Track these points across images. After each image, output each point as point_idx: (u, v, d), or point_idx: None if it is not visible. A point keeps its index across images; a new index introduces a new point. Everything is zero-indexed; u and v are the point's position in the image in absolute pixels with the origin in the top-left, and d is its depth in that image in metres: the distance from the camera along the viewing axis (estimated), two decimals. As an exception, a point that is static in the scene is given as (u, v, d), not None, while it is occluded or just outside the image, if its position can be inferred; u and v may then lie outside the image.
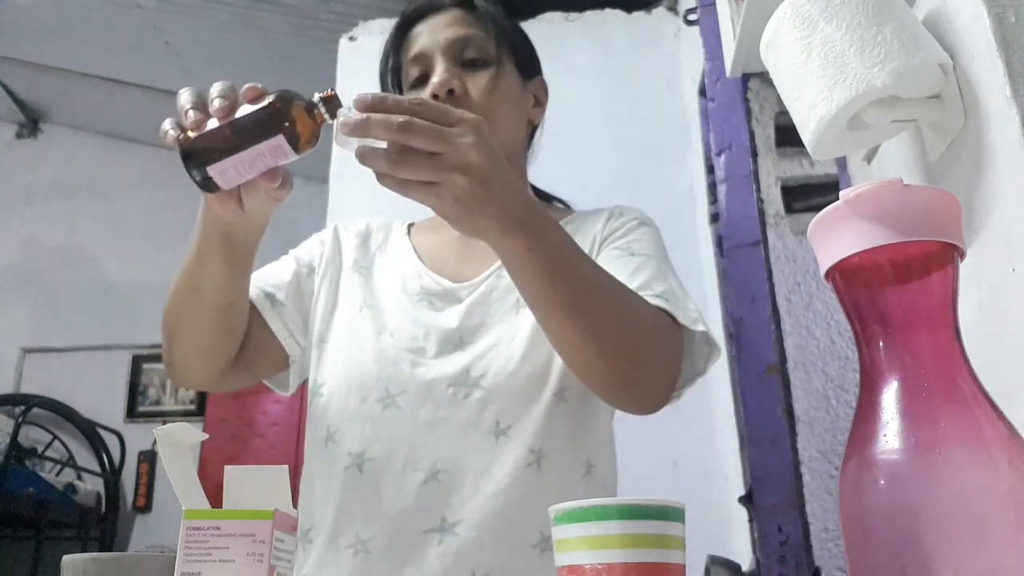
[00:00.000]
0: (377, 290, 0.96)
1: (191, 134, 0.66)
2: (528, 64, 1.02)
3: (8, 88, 4.72)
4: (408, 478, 0.83)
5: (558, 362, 0.86)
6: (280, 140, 0.64)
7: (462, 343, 0.89)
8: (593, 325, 0.75)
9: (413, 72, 0.96)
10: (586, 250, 0.89)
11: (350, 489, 0.85)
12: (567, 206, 1.10)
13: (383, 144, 0.63)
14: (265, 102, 0.65)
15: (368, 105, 0.62)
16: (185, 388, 0.97)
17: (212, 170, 0.66)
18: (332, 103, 0.65)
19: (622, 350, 0.77)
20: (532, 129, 1.06)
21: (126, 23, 3.58)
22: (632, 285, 0.83)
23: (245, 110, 0.65)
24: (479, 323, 0.90)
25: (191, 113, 0.67)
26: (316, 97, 0.64)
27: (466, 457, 0.84)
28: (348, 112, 0.63)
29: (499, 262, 0.90)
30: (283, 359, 0.96)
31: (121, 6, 3.45)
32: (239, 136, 0.65)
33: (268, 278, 0.97)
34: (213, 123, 0.66)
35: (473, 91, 0.92)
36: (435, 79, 0.91)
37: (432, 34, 0.95)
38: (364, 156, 0.63)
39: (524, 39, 1.03)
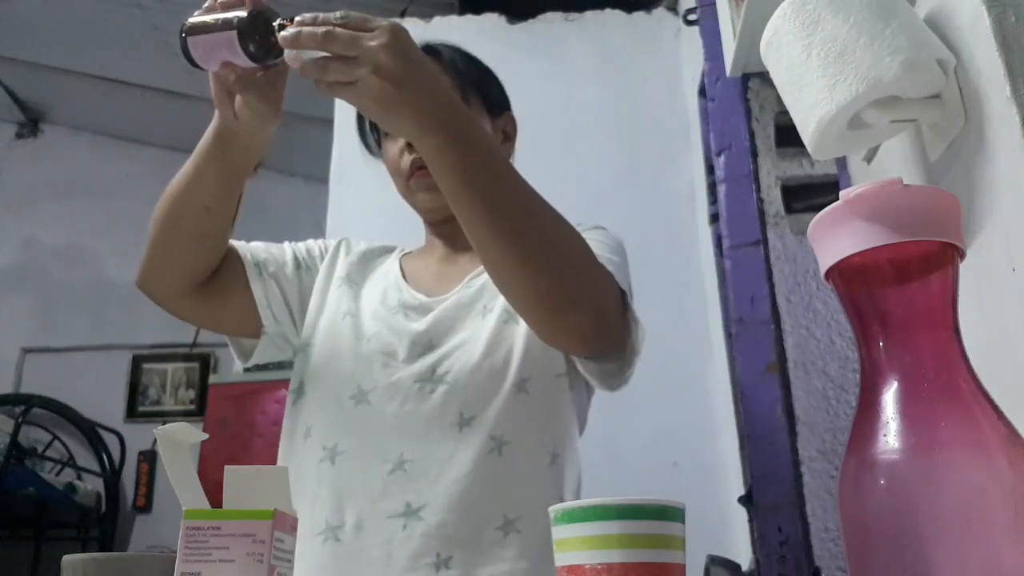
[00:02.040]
0: (361, 302, 1.02)
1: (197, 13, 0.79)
2: (496, 103, 1.05)
3: (8, 88, 4.72)
4: (376, 468, 0.88)
5: (517, 355, 0.91)
6: (233, 36, 0.74)
7: (431, 346, 0.94)
8: (515, 231, 0.77)
9: None
10: None
11: (322, 480, 0.91)
12: None
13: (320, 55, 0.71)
14: (244, 6, 0.75)
15: (301, 21, 0.71)
16: (152, 299, 0.99)
17: (190, 41, 0.78)
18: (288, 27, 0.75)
19: (547, 262, 0.78)
20: None
21: (126, 23, 3.58)
22: None
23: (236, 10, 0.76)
24: (447, 328, 0.95)
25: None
26: (279, 21, 0.74)
27: (431, 447, 0.89)
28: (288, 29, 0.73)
29: (468, 276, 0.98)
30: (253, 325, 1.00)
31: (121, 6, 3.45)
32: (215, 23, 0.76)
33: (263, 251, 1.03)
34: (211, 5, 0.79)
35: None
36: None
37: None
38: (304, 67, 0.71)
39: (489, 77, 1.06)
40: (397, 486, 0.87)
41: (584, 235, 0.88)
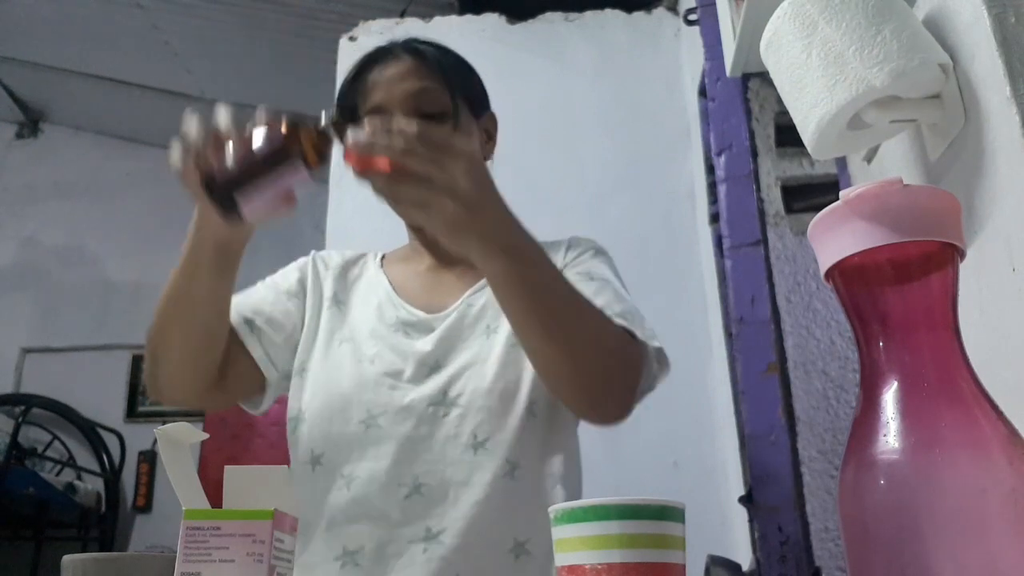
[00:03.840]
0: (354, 322, 1.00)
1: (211, 163, 0.69)
2: (479, 103, 1.04)
3: (8, 88, 4.72)
4: (393, 492, 0.88)
5: (528, 379, 0.92)
6: (296, 163, 0.68)
7: (437, 366, 0.93)
8: (568, 342, 0.81)
9: None
10: None
11: (337, 506, 0.90)
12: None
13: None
14: (277, 127, 0.68)
15: (375, 128, 0.68)
16: (168, 404, 0.99)
17: (239, 197, 0.68)
18: (339, 125, 0.69)
19: (593, 364, 0.83)
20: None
21: (126, 23, 3.58)
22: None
23: (259, 136, 0.68)
24: (452, 347, 0.95)
25: (206, 142, 0.71)
26: (324, 119, 0.68)
27: (447, 470, 0.88)
28: (357, 134, 0.68)
29: (467, 293, 0.99)
30: (260, 382, 0.98)
31: (121, 6, 3.45)
32: (258, 163, 0.68)
33: (246, 304, 0.99)
34: (229, 151, 0.69)
35: None
36: None
37: (388, 87, 0.95)
38: (365, 173, 0.69)
39: (472, 77, 1.05)
40: (416, 511, 0.87)
41: (596, 284, 0.93)
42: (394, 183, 0.69)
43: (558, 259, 1.01)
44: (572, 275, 0.96)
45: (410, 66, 0.97)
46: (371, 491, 0.88)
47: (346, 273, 1.07)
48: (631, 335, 0.88)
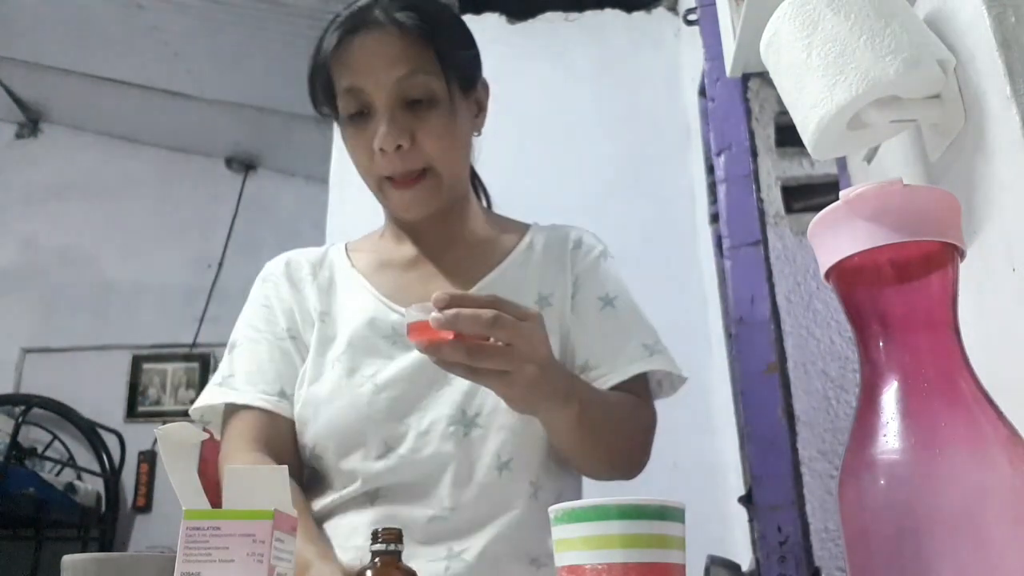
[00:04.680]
0: (347, 338, 0.93)
1: None
2: (470, 75, 0.96)
3: (8, 88, 4.72)
4: (418, 514, 0.85)
5: None
6: None
7: (448, 377, 0.88)
8: (608, 447, 0.88)
9: (349, 105, 0.91)
10: (560, 279, 0.98)
11: (356, 530, 0.85)
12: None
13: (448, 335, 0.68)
14: None
15: (447, 303, 0.67)
16: None
17: None
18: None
19: (624, 455, 0.92)
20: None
21: (126, 23, 3.57)
22: (627, 351, 0.94)
23: None
24: None
25: None
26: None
27: (474, 493, 0.86)
28: (417, 310, 0.69)
29: (465, 289, 0.95)
30: None
31: (121, 6, 3.45)
32: None
33: (264, 377, 0.93)
34: None
35: (423, 140, 0.90)
36: (381, 131, 0.88)
37: (371, 70, 0.88)
38: (440, 349, 0.68)
39: (464, 43, 0.96)
40: (439, 534, 0.84)
41: (622, 316, 0.97)
42: (476, 355, 0.69)
43: (566, 259, 1.00)
44: (592, 299, 0.97)
45: (395, 42, 0.88)
46: (395, 516, 0.85)
47: (314, 277, 1.00)
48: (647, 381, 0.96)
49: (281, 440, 0.91)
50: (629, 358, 0.93)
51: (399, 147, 0.89)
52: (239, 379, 0.92)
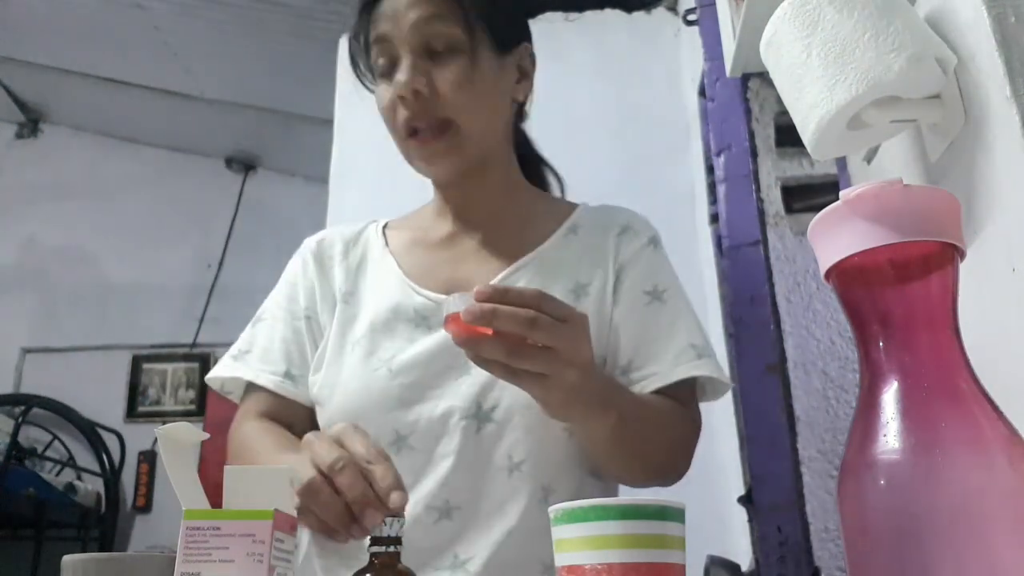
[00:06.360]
0: (369, 320, 0.92)
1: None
2: (507, 35, 0.94)
3: (8, 88, 4.72)
4: (423, 516, 0.82)
5: None
6: None
7: (467, 366, 0.83)
8: (645, 457, 0.84)
9: (379, 59, 0.91)
10: (601, 266, 0.93)
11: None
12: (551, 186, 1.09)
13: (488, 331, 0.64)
14: None
15: (488, 296, 0.63)
16: None
17: None
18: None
19: (662, 465, 0.87)
20: (519, 106, 1.01)
21: (126, 23, 3.58)
22: (674, 352, 0.88)
23: None
24: None
25: None
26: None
27: (480, 494, 0.83)
28: (457, 300, 0.65)
29: (502, 274, 0.92)
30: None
31: (121, 6, 3.45)
32: None
33: (273, 357, 0.94)
34: None
35: (442, 87, 0.88)
36: (400, 78, 0.87)
37: (395, 15, 0.88)
38: (478, 344, 0.65)
39: (501, 3, 0.94)
40: (445, 536, 0.82)
41: (668, 312, 0.90)
42: (515, 356, 0.65)
43: (610, 246, 0.95)
44: (639, 293, 0.91)
45: None
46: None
47: (345, 259, 0.99)
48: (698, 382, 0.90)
49: (287, 421, 0.92)
50: (675, 361, 0.88)
51: (417, 93, 0.87)
52: (254, 355, 0.95)
